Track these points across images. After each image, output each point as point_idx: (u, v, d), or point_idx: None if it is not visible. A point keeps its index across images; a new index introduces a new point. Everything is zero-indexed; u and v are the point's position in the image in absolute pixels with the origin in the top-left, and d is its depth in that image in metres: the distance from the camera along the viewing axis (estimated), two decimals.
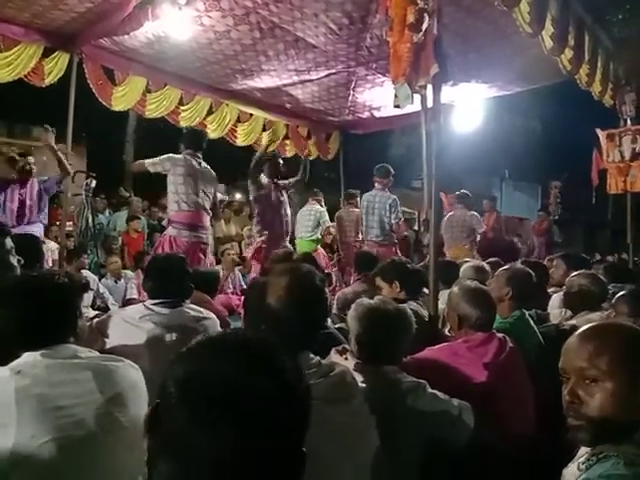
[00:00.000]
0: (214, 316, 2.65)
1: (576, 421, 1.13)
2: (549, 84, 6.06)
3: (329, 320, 3.03)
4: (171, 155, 4.69)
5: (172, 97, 6.00)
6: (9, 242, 2.16)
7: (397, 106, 3.04)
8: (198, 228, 4.70)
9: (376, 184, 6.24)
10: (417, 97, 3.00)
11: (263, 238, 5.20)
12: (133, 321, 2.38)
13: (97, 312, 4.19)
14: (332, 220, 7.13)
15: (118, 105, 5.61)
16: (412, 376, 1.87)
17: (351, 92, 6.41)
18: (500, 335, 2.27)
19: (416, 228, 8.53)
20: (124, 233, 7.50)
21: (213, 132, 6.52)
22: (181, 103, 6.12)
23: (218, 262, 6.68)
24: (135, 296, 5.75)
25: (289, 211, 5.61)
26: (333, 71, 5.76)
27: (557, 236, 9.71)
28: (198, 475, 0.67)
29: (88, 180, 5.72)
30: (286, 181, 5.59)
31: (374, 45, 4.98)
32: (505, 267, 2.98)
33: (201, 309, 2.60)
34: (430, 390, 1.84)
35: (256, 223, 5.38)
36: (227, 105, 6.58)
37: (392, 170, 6.29)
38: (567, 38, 4.09)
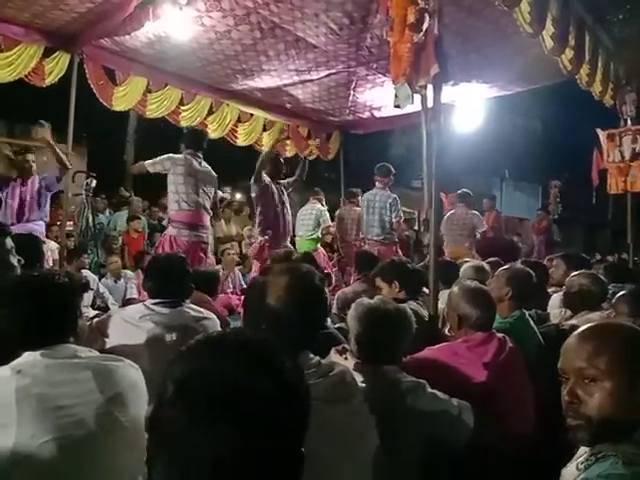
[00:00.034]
0: (214, 316, 2.65)
1: (575, 421, 1.13)
2: (549, 84, 6.06)
3: (329, 320, 3.04)
4: (171, 155, 4.69)
5: (173, 97, 6.00)
6: (9, 242, 2.16)
7: (397, 106, 3.05)
8: (198, 227, 4.70)
9: (377, 183, 6.26)
10: (417, 97, 2.99)
11: (266, 237, 5.20)
12: (133, 321, 2.38)
13: (97, 312, 4.20)
14: (332, 219, 7.13)
15: (119, 105, 5.61)
16: (412, 376, 1.87)
17: (351, 92, 6.41)
18: (500, 335, 2.27)
19: (416, 228, 8.53)
20: (124, 233, 7.50)
21: (214, 132, 6.52)
22: (182, 103, 6.12)
23: (218, 262, 6.69)
24: (135, 296, 5.76)
25: (290, 211, 5.62)
26: (333, 71, 5.76)
27: (556, 235, 9.70)
28: (198, 475, 0.67)
29: (88, 180, 5.72)
30: (284, 181, 5.60)
31: (374, 45, 4.99)
32: (505, 267, 2.98)
33: (201, 309, 2.61)
34: (430, 390, 1.84)
35: (258, 223, 5.38)
36: (228, 105, 6.58)
37: (393, 169, 6.30)
38: (567, 38, 4.09)
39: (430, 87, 2.91)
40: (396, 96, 3.00)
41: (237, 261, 7.19)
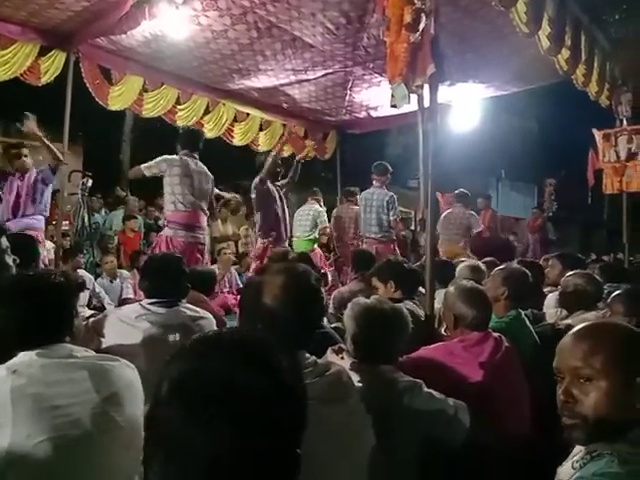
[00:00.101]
0: (210, 316, 2.65)
1: (570, 420, 1.13)
2: (546, 84, 6.07)
3: (325, 319, 3.04)
4: (166, 156, 4.67)
5: (169, 96, 5.98)
6: (4, 241, 2.15)
7: (394, 106, 3.05)
8: (195, 228, 4.69)
9: (374, 182, 6.29)
10: (414, 97, 3.00)
11: (270, 239, 5.21)
12: (129, 320, 2.38)
13: (93, 312, 4.19)
14: (330, 219, 7.12)
15: (115, 104, 5.60)
16: (408, 375, 1.87)
17: (348, 92, 6.41)
18: (496, 335, 2.27)
19: (412, 227, 8.54)
20: (120, 232, 7.48)
21: (210, 132, 6.51)
22: (178, 102, 6.11)
23: (214, 261, 6.68)
24: (131, 296, 5.74)
25: (287, 211, 5.63)
26: (330, 71, 5.76)
27: (551, 233, 9.72)
28: (194, 474, 0.67)
29: (84, 179, 5.70)
30: (279, 182, 5.63)
31: (371, 45, 4.99)
32: (501, 267, 2.99)
33: (197, 309, 2.61)
34: (426, 389, 1.85)
35: (260, 224, 5.37)
36: (224, 105, 6.56)
37: (390, 168, 6.32)
38: (564, 38, 4.10)
39: (426, 87, 2.92)
40: (393, 96, 3.00)
41: (233, 261, 7.19)
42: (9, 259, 2.14)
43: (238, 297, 5.00)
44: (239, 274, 7.03)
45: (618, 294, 2.53)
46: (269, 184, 5.35)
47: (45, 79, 4.99)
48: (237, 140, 6.97)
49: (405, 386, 1.83)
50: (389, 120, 7.21)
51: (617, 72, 5.33)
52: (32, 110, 4.63)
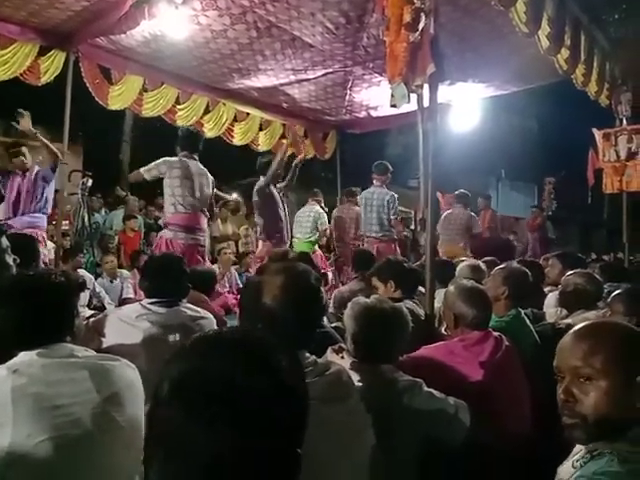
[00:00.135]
0: (211, 315, 2.65)
1: (571, 419, 1.13)
2: (545, 84, 6.07)
3: (325, 319, 3.04)
4: (166, 158, 4.65)
5: (169, 96, 5.98)
6: (5, 241, 2.15)
7: (394, 105, 3.05)
8: (195, 230, 4.68)
9: (374, 181, 6.30)
10: (414, 96, 3.00)
11: (274, 241, 5.21)
12: (129, 320, 2.38)
13: (93, 311, 4.19)
14: (330, 219, 7.11)
15: (114, 104, 5.60)
16: (408, 375, 1.87)
17: (348, 91, 6.41)
18: (496, 334, 2.27)
19: (413, 227, 8.54)
20: (120, 232, 7.49)
21: (210, 131, 6.51)
22: (178, 102, 6.11)
23: (215, 261, 6.68)
24: (131, 295, 5.74)
25: (287, 212, 5.64)
26: (330, 70, 5.76)
27: (551, 232, 9.69)
28: (195, 473, 0.67)
29: (84, 179, 5.70)
30: (278, 185, 5.63)
31: (371, 44, 4.99)
32: (501, 266, 2.99)
33: (198, 308, 2.61)
34: (426, 389, 1.85)
35: (263, 226, 5.34)
36: (224, 104, 6.57)
37: (390, 167, 6.32)
38: (563, 38, 4.10)
39: (426, 86, 2.92)
40: (392, 95, 3.00)
41: (233, 261, 7.19)
42: (9, 259, 2.14)
43: (238, 297, 5.03)
44: (239, 274, 7.04)
45: (618, 293, 2.53)
46: (271, 187, 5.34)
47: (45, 79, 4.99)
48: (237, 140, 6.97)
49: (405, 385, 1.83)
50: (389, 120, 7.21)
51: (617, 72, 5.33)
52: (32, 110, 4.64)
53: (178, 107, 6.12)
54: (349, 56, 5.37)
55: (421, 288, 3.13)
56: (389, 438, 1.59)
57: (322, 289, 1.48)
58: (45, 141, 4.63)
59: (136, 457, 0.75)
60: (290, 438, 0.72)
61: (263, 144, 7.30)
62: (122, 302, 5.35)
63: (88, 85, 5.27)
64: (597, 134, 5.73)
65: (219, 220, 8.12)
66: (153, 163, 4.63)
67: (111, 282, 5.95)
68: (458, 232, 6.78)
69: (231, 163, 9.94)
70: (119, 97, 5.58)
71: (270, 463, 0.69)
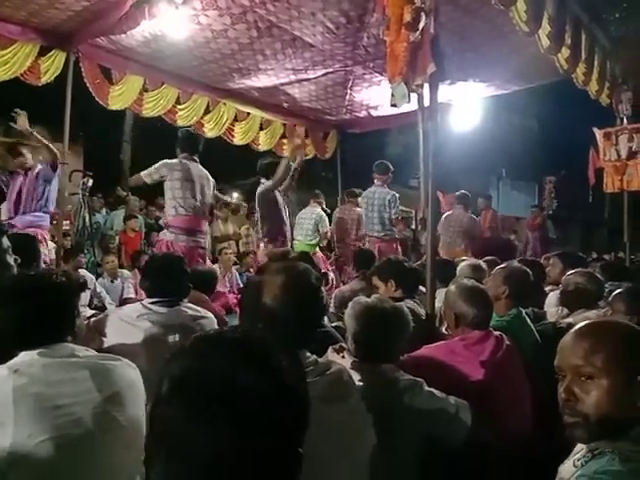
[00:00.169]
0: (211, 315, 2.65)
1: (572, 418, 1.13)
2: (546, 83, 6.07)
3: (326, 318, 3.04)
4: (166, 161, 4.64)
5: (169, 96, 5.98)
6: (6, 241, 2.15)
7: (394, 105, 3.05)
8: (196, 233, 4.66)
9: (375, 180, 6.30)
10: (414, 96, 3.00)
11: (278, 244, 5.20)
12: (130, 320, 2.38)
13: (94, 311, 4.19)
14: (330, 218, 7.10)
15: (115, 104, 5.59)
16: (409, 374, 1.87)
17: (348, 91, 6.41)
18: (497, 333, 2.27)
19: (413, 227, 8.54)
20: (121, 232, 7.50)
21: (210, 131, 6.51)
22: (178, 102, 6.10)
23: (215, 261, 6.69)
24: (132, 295, 5.75)
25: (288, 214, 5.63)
26: (330, 70, 5.76)
27: (551, 232, 9.66)
28: (195, 472, 0.67)
29: (85, 179, 5.70)
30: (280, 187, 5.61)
31: (371, 44, 4.99)
32: (502, 266, 2.99)
33: (198, 308, 2.61)
34: (427, 388, 1.85)
35: (267, 230, 5.34)
36: (224, 104, 6.56)
37: (391, 167, 6.32)
38: (564, 37, 4.10)
39: (426, 86, 2.92)
40: (393, 95, 3.00)
41: (234, 261, 7.19)
42: (10, 259, 2.15)
43: (239, 297, 5.03)
44: (240, 274, 7.04)
45: (619, 292, 2.53)
46: (275, 191, 5.34)
47: (45, 79, 4.99)
48: (237, 140, 6.97)
49: (406, 385, 1.83)
50: (389, 119, 7.21)
51: (617, 71, 5.33)
52: (32, 110, 4.64)
53: (178, 107, 6.12)
54: (349, 56, 5.36)
55: (422, 288, 3.13)
56: (390, 437, 1.59)
57: (322, 288, 1.48)
58: (42, 140, 4.63)
59: (137, 457, 0.75)
60: (290, 438, 0.72)
61: (264, 144, 7.30)
62: (123, 302, 5.36)
63: (88, 85, 5.26)
64: (598, 133, 5.73)
65: (220, 220, 8.13)
66: (153, 167, 4.61)
67: (112, 282, 5.96)
68: (459, 234, 6.78)
69: (231, 163, 9.95)
70: (119, 97, 5.58)
71: (270, 463, 0.69)
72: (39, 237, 4.35)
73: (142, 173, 4.65)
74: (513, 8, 3.44)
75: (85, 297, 4.81)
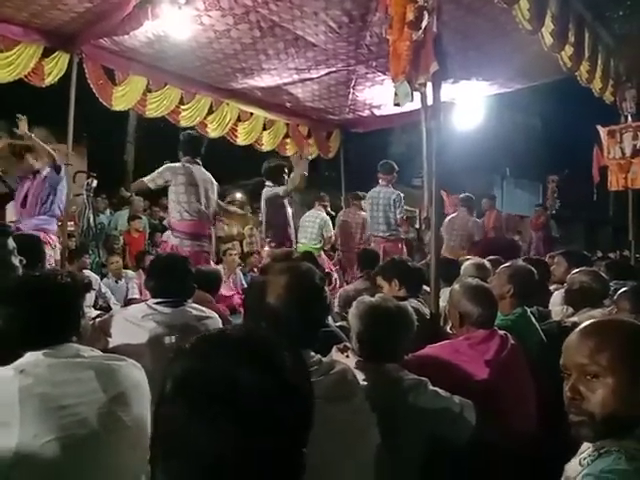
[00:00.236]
0: (216, 315, 2.66)
1: (578, 417, 1.13)
2: (549, 81, 6.05)
3: (330, 318, 3.04)
4: (169, 165, 4.62)
5: (172, 97, 5.99)
6: (11, 242, 2.16)
7: (397, 104, 3.04)
8: (201, 237, 4.65)
9: (380, 180, 6.29)
10: (417, 95, 2.99)
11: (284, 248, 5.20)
12: (135, 320, 2.38)
13: (99, 312, 4.20)
14: (334, 221, 7.07)
15: (118, 105, 5.61)
16: (413, 374, 1.87)
17: (351, 90, 6.41)
18: (502, 332, 2.27)
19: (417, 226, 8.52)
20: (125, 233, 7.52)
21: (213, 131, 6.52)
22: (181, 102, 6.12)
23: (220, 261, 6.69)
24: (137, 296, 5.76)
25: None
26: (333, 69, 5.76)
27: (555, 231, 9.60)
28: (199, 472, 0.67)
29: (89, 180, 5.71)
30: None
31: (374, 43, 4.98)
32: (507, 264, 2.98)
33: (203, 308, 2.62)
34: (431, 387, 1.85)
35: (274, 234, 5.32)
36: (227, 104, 6.57)
37: (396, 166, 6.31)
38: (567, 35, 4.08)
39: (429, 85, 2.91)
40: (396, 94, 3.00)
41: (238, 262, 7.19)
42: (15, 260, 2.15)
43: (243, 297, 5.03)
44: (243, 274, 7.04)
45: (624, 291, 2.52)
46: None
47: (49, 80, 5.01)
48: (241, 140, 6.98)
49: (410, 384, 1.82)
50: (392, 119, 7.21)
51: (621, 68, 5.31)
52: (36, 111, 4.66)
53: (182, 107, 6.13)
54: (352, 55, 5.36)
55: (426, 287, 3.13)
56: (394, 437, 1.59)
57: (326, 288, 1.48)
58: (39, 142, 4.65)
59: (142, 457, 0.75)
60: (294, 438, 0.72)
61: (267, 144, 7.31)
62: (128, 302, 5.37)
63: (92, 86, 5.28)
64: (602, 131, 5.71)
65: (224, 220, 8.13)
66: (156, 172, 4.58)
67: (116, 282, 5.98)
68: (463, 238, 6.78)
69: (234, 163, 9.95)
70: (123, 98, 5.60)
71: (273, 463, 0.69)
72: (46, 240, 4.36)
73: (145, 179, 4.60)
74: (516, 6, 3.43)
75: (90, 298, 4.82)
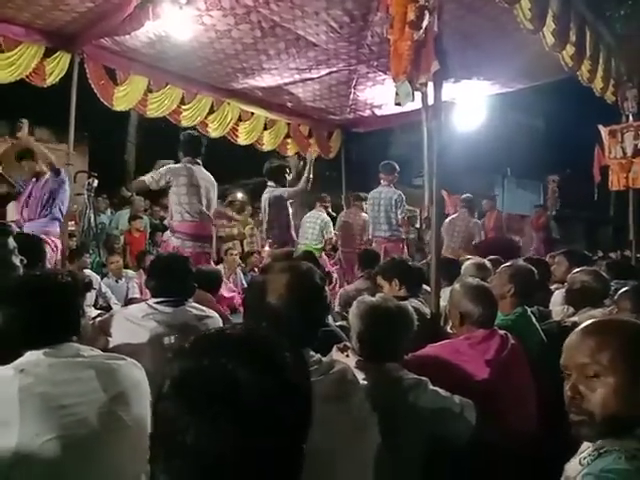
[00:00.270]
0: (216, 315, 2.66)
1: (578, 416, 1.13)
2: (551, 81, 6.04)
3: (330, 318, 3.04)
4: (170, 166, 4.60)
5: (173, 96, 5.99)
6: (12, 242, 2.17)
7: (398, 104, 3.04)
8: (202, 238, 4.65)
9: (382, 181, 6.31)
10: (418, 95, 2.99)
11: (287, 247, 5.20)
12: (136, 320, 2.39)
13: (99, 311, 4.21)
14: (334, 220, 7.08)
15: (120, 105, 5.61)
16: (414, 373, 1.87)
17: (352, 90, 6.40)
18: (502, 332, 2.27)
19: (418, 226, 8.52)
20: (126, 232, 7.52)
21: (214, 131, 6.52)
22: (182, 102, 6.12)
23: (220, 261, 6.69)
24: (137, 295, 5.76)
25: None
26: (334, 69, 5.76)
27: (555, 232, 9.54)
28: (199, 472, 0.67)
29: (90, 180, 5.73)
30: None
31: (375, 43, 4.98)
32: (507, 264, 2.98)
33: (203, 308, 2.62)
34: (432, 387, 1.85)
35: (278, 234, 5.31)
36: (228, 104, 6.57)
37: (397, 167, 6.32)
38: (568, 34, 4.08)
39: (431, 85, 2.91)
40: (397, 94, 2.99)
41: (238, 263, 7.18)
42: (16, 259, 2.16)
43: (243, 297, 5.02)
44: (244, 273, 7.04)
45: (625, 291, 2.52)
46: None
47: (50, 80, 5.01)
48: (242, 139, 6.97)
49: (410, 384, 1.82)
50: (393, 118, 7.20)
51: (622, 68, 5.30)
52: (37, 111, 4.67)
53: (183, 107, 6.13)
54: (353, 55, 5.36)
55: (426, 287, 3.13)
56: (394, 436, 1.59)
57: (326, 288, 1.48)
58: (39, 147, 4.67)
59: (142, 456, 0.75)
60: (294, 436, 0.72)
61: (268, 144, 7.31)
62: (128, 302, 5.37)
63: (93, 86, 5.29)
64: (603, 131, 5.70)
65: (224, 220, 8.12)
66: (157, 172, 4.54)
67: (117, 282, 5.98)
68: (464, 239, 6.78)
69: (235, 163, 9.95)
70: (124, 98, 5.60)
71: (274, 461, 0.69)
72: (47, 242, 4.37)
73: (145, 179, 4.56)
74: (517, 6, 3.43)
75: (90, 297, 4.82)
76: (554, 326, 2.81)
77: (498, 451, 1.90)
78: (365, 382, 1.70)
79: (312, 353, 1.39)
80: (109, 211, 8.28)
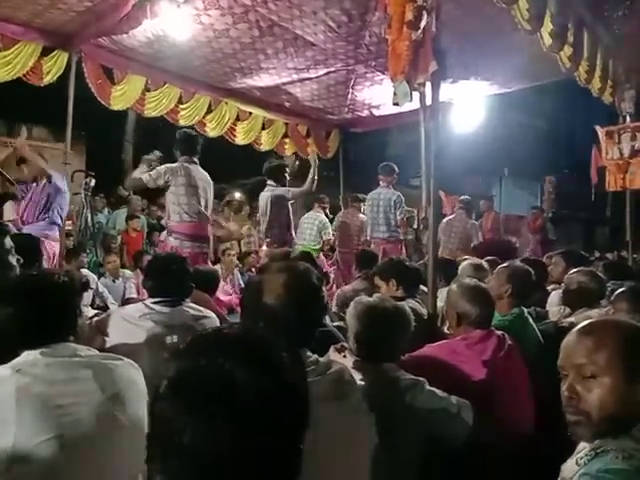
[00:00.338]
0: (214, 315, 2.66)
1: (575, 417, 1.13)
2: (548, 81, 6.05)
3: (328, 318, 3.04)
4: (168, 165, 4.53)
5: (171, 96, 5.98)
6: (8, 241, 2.16)
7: (396, 104, 3.05)
8: (200, 239, 4.63)
9: (380, 182, 6.32)
10: (416, 95, 3.00)
11: (287, 247, 5.19)
12: (133, 320, 2.38)
13: (96, 311, 4.20)
14: (332, 221, 7.08)
15: (117, 104, 5.60)
16: (411, 374, 1.87)
17: (350, 90, 6.40)
18: (499, 332, 2.27)
19: (415, 226, 8.53)
20: (123, 232, 7.51)
21: (212, 131, 6.51)
22: (180, 102, 6.11)
23: (218, 261, 6.68)
24: (134, 295, 5.75)
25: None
26: (332, 69, 5.76)
27: (551, 234, 9.52)
28: (196, 472, 0.67)
29: (87, 179, 5.73)
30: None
31: (373, 43, 4.98)
32: (504, 265, 2.98)
33: (201, 308, 2.62)
34: (429, 388, 1.85)
35: (279, 234, 5.29)
36: (226, 104, 6.56)
37: (396, 168, 6.33)
38: (566, 35, 4.08)
39: (428, 85, 2.92)
40: (395, 94, 3.00)
41: (236, 264, 7.17)
42: (13, 259, 2.15)
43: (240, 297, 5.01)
44: (241, 273, 7.03)
45: (622, 291, 2.52)
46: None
47: (47, 79, 5.00)
48: (239, 139, 6.97)
49: (407, 384, 1.82)
50: (391, 118, 7.20)
51: (620, 69, 5.31)
52: (35, 110, 4.66)
53: (180, 107, 6.12)
54: (351, 54, 5.36)
55: (424, 287, 3.13)
56: (391, 437, 1.59)
57: (323, 288, 1.48)
58: (34, 156, 4.69)
59: (139, 456, 0.75)
60: (291, 437, 0.72)
61: (266, 143, 7.30)
62: (125, 302, 5.36)
63: (91, 85, 5.27)
64: (600, 132, 5.71)
65: (222, 220, 8.12)
66: (154, 171, 4.46)
67: (114, 282, 5.96)
68: (461, 240, 6.79)
69: (233, 162, 9.94)
70: (121, 97, 5.59)
71: (271, 462, 0.69)
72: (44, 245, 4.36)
73: (143, 177, 4.47)
74: (515, 6, 3.43)
75: (87, 297, 4.81)
76: (551, 327, 2.82)
77: (495, 451, 1.90)
78: (362, 382, 1.70)
79: (309, 353, 1.39)
80: (106, 210, 8.25)
